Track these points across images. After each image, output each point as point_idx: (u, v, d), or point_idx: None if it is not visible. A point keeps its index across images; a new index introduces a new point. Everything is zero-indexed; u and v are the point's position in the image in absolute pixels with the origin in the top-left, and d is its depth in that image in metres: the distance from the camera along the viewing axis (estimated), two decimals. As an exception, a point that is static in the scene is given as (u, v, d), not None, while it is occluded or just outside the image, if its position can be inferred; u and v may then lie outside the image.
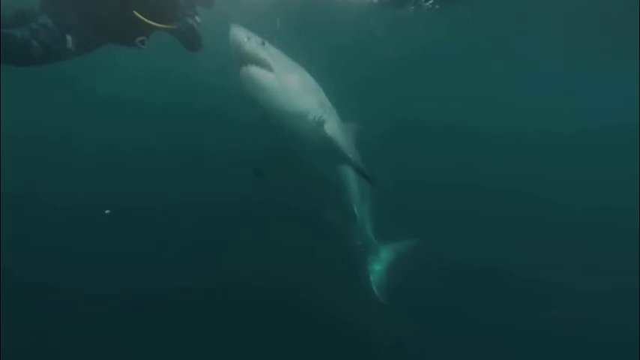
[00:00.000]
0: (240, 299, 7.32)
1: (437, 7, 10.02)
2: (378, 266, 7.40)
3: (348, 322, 7.48)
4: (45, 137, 9.54)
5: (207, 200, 8.79)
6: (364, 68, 13.01)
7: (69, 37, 3.69)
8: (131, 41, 4.22)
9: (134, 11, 3.86)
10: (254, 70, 4.71)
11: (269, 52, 4.77)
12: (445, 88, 14.35)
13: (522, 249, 9.69)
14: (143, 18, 3.88)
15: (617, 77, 14.94)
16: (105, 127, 9.78)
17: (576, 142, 14.93)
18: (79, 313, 6.56)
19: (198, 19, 4.40)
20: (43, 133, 9.60)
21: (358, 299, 7.10)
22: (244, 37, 4.60)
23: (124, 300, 6.94)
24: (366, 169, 5.42)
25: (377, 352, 7.68)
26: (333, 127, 5.47)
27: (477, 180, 11.21)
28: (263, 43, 4.72)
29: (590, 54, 13.83)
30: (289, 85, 4.91)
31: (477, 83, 14.82)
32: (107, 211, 7.87)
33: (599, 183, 12.76)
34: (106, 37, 4.16)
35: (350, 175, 6.30)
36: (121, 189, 8.37)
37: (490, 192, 11.16)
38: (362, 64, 13.04)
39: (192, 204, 8.75)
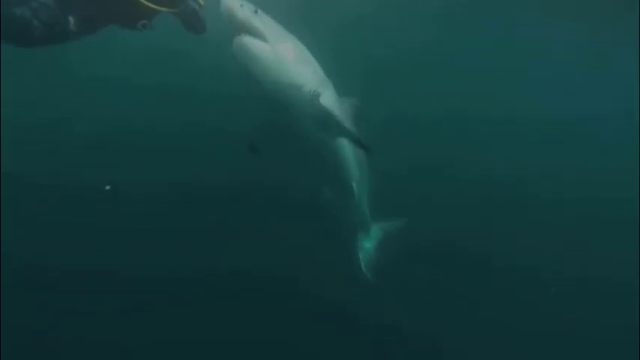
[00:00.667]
0: (237, 290, 7.20)
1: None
2: (368, 244, 7.34)
3: (343, 309, 7.45)
4: (44, 121, 9.29)
5: (203, 184, 8.51)
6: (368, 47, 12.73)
7: (71, 18, 3.58)
8: (133, 24, 4.05)
9: None
10: (247, 40, 4.43)
11: (262, 21, 4.51)
12: (440, 79, 14.13)
13: (519, 237, 9.54)
14: (144, 1, 3.68)
15: (617, 66, 14.77)
16: (99, 109, 9.51)
17: (574, 131, 14.72)
18: (78, 310, 6.43)
19: (201, 1, 4.20)
20: (41, 116, 9.36)
21: (354, 286, 7.00)
22: (237, 4, 4.32)
23: (124, 296, 6.81)
24: (363, 139, 5.20)
25: (372, 338, 7.64)
26: (329, 100, 5.23)
27: (474, 167, 10.92)
28: (256, 11, 4.45)
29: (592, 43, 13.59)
30: (284, 55, 4.65)
31: (480, 67, 14.61)
32: (107, 187, 7.69)
33: (598, 172, 12.58)
34: (109, 19, 3.99)
35: (348, 150, 6.06)
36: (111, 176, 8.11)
37: (486, 179, 10.88)
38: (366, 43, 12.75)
39: (186, 188, 8.50)
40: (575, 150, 13.48)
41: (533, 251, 9.33)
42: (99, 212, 7.73)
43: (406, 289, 7.71)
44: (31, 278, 6.62)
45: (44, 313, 6.33)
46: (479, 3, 12.34)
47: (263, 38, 4.47)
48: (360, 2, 11.13)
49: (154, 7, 3.78)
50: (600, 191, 11.81)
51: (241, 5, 4.35)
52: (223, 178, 8.37)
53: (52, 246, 7.16)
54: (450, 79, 13.56)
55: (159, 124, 9.49)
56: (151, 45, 7.83)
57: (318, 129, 5.47)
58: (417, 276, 8.06)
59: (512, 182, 11.25)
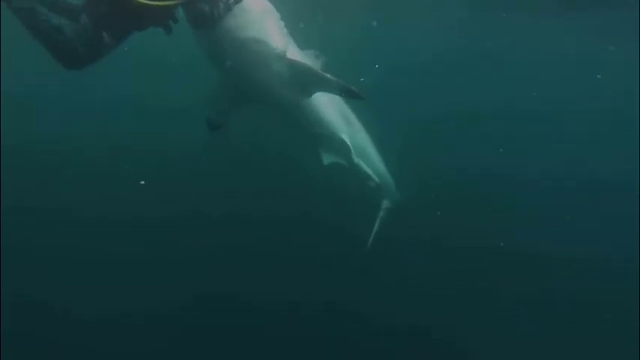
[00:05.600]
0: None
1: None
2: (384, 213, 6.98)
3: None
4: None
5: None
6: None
7: (104, 34, 3.59)
8: (157, 25, 3.88)
9: None
10: None
11: None
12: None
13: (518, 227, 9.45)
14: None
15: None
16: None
17: (574, 120, 14.80)
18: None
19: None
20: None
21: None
22: None
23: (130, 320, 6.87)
24: (348, 84, 4.71)
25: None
26: (296, 53, 4.96)
27: (472, 158, 11.16)
28: None
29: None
30: (243, 7, 4.33)
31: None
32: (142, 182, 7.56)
33: (599, 160, 12.64)
34: (133, 27, 3.83)
35: (323, 104, 5.54)
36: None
37: (485, 168, 10.97)
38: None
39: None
40: (575, 140, 13.65)
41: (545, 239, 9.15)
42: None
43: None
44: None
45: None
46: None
47: None
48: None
49: (150, 2, 3.40)
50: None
51: None
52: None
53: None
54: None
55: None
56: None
57: (290, 89, 5.06)
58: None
59: (510, 173, 11.24)
